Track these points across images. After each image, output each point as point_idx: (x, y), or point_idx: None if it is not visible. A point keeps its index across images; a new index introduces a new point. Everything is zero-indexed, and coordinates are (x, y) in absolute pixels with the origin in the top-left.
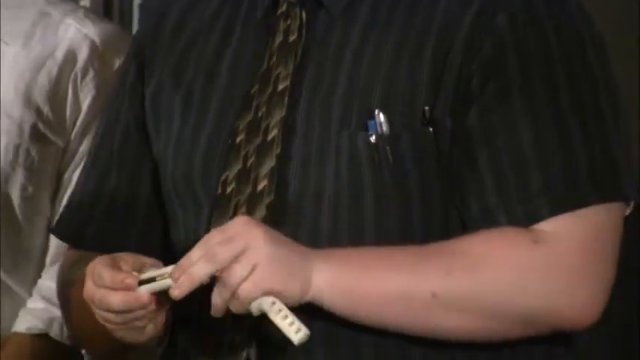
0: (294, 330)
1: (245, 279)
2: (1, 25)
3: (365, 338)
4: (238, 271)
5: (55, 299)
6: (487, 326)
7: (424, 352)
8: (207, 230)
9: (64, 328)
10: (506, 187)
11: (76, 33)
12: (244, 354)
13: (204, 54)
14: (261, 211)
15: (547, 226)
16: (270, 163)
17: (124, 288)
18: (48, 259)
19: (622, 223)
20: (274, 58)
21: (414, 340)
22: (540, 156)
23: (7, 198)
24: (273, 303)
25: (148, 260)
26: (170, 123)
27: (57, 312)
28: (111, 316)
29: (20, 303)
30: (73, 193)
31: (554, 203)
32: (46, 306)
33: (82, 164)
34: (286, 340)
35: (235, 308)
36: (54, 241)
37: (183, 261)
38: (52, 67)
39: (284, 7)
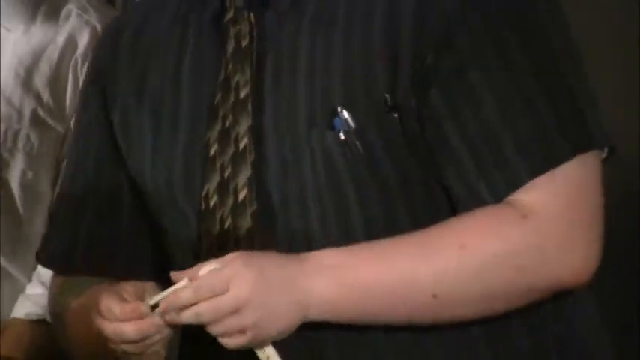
0: None
1: (242, 338)
2: (1, 12)
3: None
4: (235, 338)
5: None
6: (490, 309)
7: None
8: (199, 244)
9: None
10: (482, 161)
11: (78, 19)
12: None
13: (166, 65)
14: (247, 221)
15: (530, 194)
16: (246, 173)
17: (137, 317)
18: None
19: (600, 171)
20: (230, 65)
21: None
22: (508, 123)
23: (7, 184)
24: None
25: (147, 285)
26: (142, 142)
27: None
28: (129, 346)
29: (20, 289)
30: (54, 217)
31: (530, 166)
32: (45, 291)
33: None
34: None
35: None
36: None
37: (173, 296)
38: (52, 53)
39: (231, 13)
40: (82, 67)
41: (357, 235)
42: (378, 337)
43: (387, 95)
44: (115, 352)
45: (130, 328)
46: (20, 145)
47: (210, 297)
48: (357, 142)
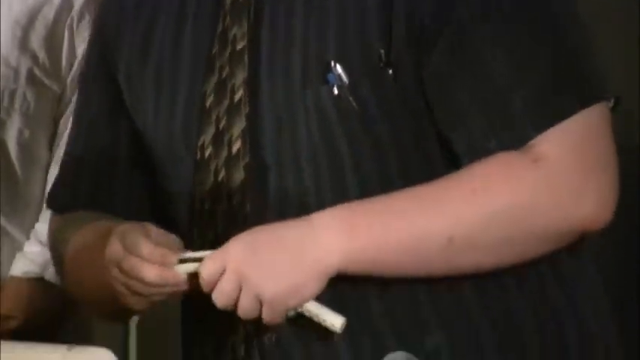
0: (330, 325)
1: (260, 313)
2: None
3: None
4: (247, 309)
5: None
6: (506, 255)
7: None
8: (193, 195)
9: None
10: (489, 117)
11: None
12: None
13: (168, 20)
14: (240, 174)
15: (541, 143)
16: (240, 125)
17: (162, 263)
18: (45, 203)
19: (609, 120)
20: (228, 18)
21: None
22: (514, 79)
23: (4, 144)
24: (300, 310)
25: (171, 235)
26: (146, 95)
27: None
28: (138, 285)
29: (18, 247)
30: (62, 162)
31: (538, 121)
32: (42, 249)
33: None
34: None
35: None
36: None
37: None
38: (48, 13)
39: None
40: (77, 27)
41: (351, 193)
42: (370, 295)
43: (381, 51)
44: (114, 285)
45: (152, 272)
46: (17, 104)
47: (215, 284)
48: (351, 98)
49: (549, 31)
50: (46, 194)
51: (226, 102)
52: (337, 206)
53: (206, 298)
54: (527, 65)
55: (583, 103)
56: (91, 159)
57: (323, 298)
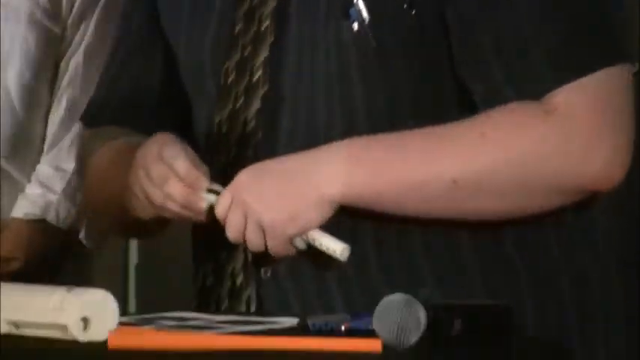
0: (333, 252)
1: (264, 244)
2: None
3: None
4: (253, 241)
5: (52, 184)
6: (510, 203)
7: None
8: (213, 120)
9: (60, 213)
10: (511, 64)
11: None
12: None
13: None
14: (257, 102)
15: (557, 96)
16: (264, 53)
17: (192, 186)
18: (46, 146)
19: (630, 83)
20: None
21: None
22: (538, 28)
23: (5, 86)
24: (307, 236)
25: (205, 167)
26: (180, 20)
27: (53, 197)
28: (157, 194)
29: (20, 189)
30: (99, 81)
31: (558, 74)
32: (43, 191)
33: (80, 51)
34: None
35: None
36: (51, 128)
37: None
38: None
39: None
40: None
41: (361, 131)
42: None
43: None
44: (132, 187)
45: (179, 190)
46: (18, 46)
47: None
48: (370, 35)
49: None
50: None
51: (253, 30)
52: (344, 140)
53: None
54: (554, 15)
55: (606, 61)
56: (125, 78)
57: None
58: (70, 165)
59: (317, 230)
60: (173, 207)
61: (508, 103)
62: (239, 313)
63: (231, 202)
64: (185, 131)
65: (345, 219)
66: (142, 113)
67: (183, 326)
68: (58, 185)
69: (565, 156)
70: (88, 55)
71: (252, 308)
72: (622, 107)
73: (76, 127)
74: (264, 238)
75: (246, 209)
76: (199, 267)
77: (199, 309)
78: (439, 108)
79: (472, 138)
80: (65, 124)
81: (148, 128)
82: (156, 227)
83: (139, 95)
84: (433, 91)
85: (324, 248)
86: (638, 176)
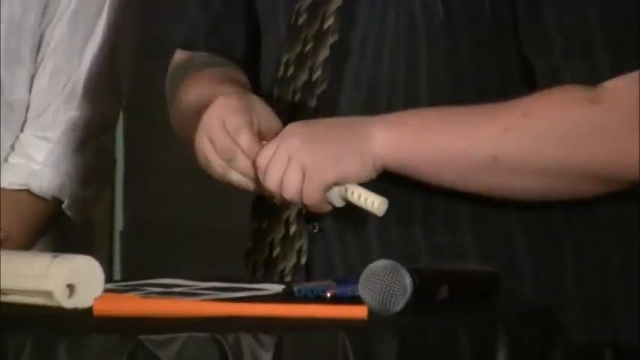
0: (371, 205)
1: (301, 189)
2: None
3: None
4: (291, 183)
5: (35, 154)
6: (546, 185)
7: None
8: (280, 60)
9: (43, 183)
10: (572, 47)
11: None
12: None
13: None
14: (326, 50)
15: (606, 85)
16: (337, 2)
17: (252, 152)
18: (29, 114)
19: None
20: None
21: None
22: (602, 15)
23: None
24: (346, 189)
25: (276, 121)
26: None
27: (36, 167)
28: (218, 161)
29: (5, 158)
30: (190, 9)
31: (616, 64)
32: (26, 161)
33: (64, 21)
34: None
35: (314, 210)
36: (35, 97)
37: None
38: None
39: None
40: None
41: (421, 96)
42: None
43: None
44: (198, 145)
45: (244, 164)
46: (3, 13)
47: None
48: (439, 4)
49: None
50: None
51: None
52: (396, 112)
53: None
54: (615, 6)
55: None
56: (211, 5)
57: None
58: (53, 134)
59: (355, 185)
60: (237, 178)
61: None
62: (223, 279)
63: (276, 148)
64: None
65: (393, 187)
66: (228, 38)
67: (168, 293)
68: (41, 155)
69: (606, 144)
70: (73, 25)
71: (303, 260)
72: None
73: (60, 97)
74: (303, 182)
75: (291, 151)
76: (257, 207)
77: (254, 252)
78: (502, 84)
79: (515, 117)
80: (48, 93)
81: (232, 52)
82: None
83: (226, 20)
84: (497, 67)
85: (361, 201)
86: None
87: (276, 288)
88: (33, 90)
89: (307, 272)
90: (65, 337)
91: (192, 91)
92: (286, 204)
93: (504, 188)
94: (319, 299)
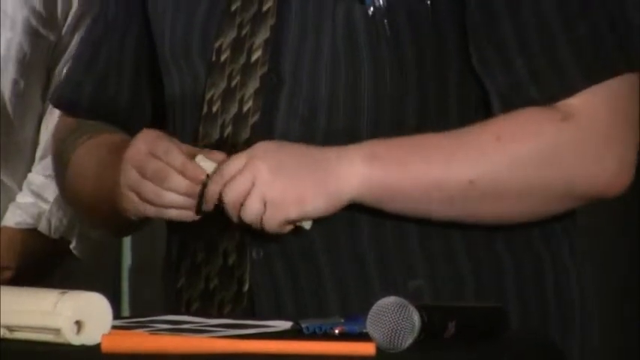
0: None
1: (262, 218)
2: None
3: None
4: (252, 211)
5: (44, 193)
6: (525, 207)
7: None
8: (204, 98)
9: (52, 223)
10: (536, 61)
11: None
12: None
13: None
14: (255, 82)
15: (574, 99)
16: (264, 34)
17: (194, 179)
18: (37, 154)
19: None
20: None
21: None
22: (565, 26)
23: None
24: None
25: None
26: None
27: (45, 206)
28: (151, 191)
29: (12, 197)
30: (70, 65)
31: (587, 73)
32: (35, 200)
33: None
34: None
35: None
36: (44, 137)
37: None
38: None
39: None
40: None
41: (363, 116)
42: (362, 229)
43: None
44: (123, 188)
45: (181, 183)
46: (13, 53)
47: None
48: (385, 21)
49: None
50: (50, 94)
51: (253, 10)
52: (365, 142)
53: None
54: (581, 14)
55: (630, 65)
56: (97, 61)
57: None
58: None
59: None
60: (176, 200)
61: (529, 104)
62: (233, 317)
63: (242, 168)
64: (159, 117)
65: (342, 214)
66: (115, 96)
67: (176, 329)
68: (50, 194)
69: (579, 161)
70: None
71: (245, 288)
72: (633, 112)
73: None
74: (264, 211)
75: (256, 176)
76: (189, 242)
77: (189, 287)
78: (444, 101)
79: (488, 141)
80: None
81: (121, 112)
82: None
83: (113, 76)
84: (440, 86)
85: None
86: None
87: (285, 325)
88: (42, 130)
89: (250, 300)
90: None
91: (93, 153)
92: (240, 223)
93: (484, 213)
94: (327, 336)
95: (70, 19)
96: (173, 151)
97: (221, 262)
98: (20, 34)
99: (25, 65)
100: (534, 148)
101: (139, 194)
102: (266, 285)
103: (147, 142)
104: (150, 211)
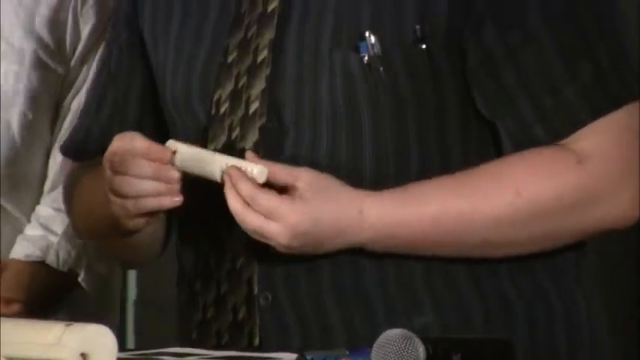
0: (251, 172)
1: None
2: None
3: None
4: (269, 238)
5: (52, 226)
6: (538, 248)
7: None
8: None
9: (60, 256)
10: (540, 100)
11: None
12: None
13: None
14: (254, 135)
15: (584, 138)
16: (260, 85)
17: (159, 159)
18: (46, 186)
19: None
20: None
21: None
22: (568, 64)
23: (7, 124)
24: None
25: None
26: (167, 46)
27: (54, 239)
28: (125, 181)
29: (19, 229)
30: (80, 111)
31: (592, 108)
32: (44, 233)
33: (82, 93)
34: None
35: None
36: (52, 169)
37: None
38: None
39: None
40: (81, 9)
41: (365, 164)
42: (365, 267)
43: (417, 26)
44: (108, 194)
45: (146, 165)
46: (21, 86)
47: (258, 214)
48: (381, 68)
49: (597, 26)
50: (60, 142)
51: (248, 61)
52: (387, 195)
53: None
54: (582, 51)
55: (633, 95)
56: (104, 110)
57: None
58: None
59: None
60: (148, 187)
61: (536, 144)
62: (238, 349)
63: (274, 211)
64: None
65: (345, 254)
66: None
67: None
68: (59, 227)
69: (594, 203)
70: None
71: (256, 342)
72: (638, 143)
73: None
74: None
75: (282, 226)
76: (198, 297)
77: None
78: (444, 145)
79: (507, 197)
80: (65, 166)
81: None
82: (153, 250)
83: (117, 127)
84: (441, 127)
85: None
86: None
87: (290, 357)
88: (50, 162)
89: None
90: None
91: (95, 178)
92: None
93: (496, 256)
94: None
95: (78, 52)
96: (137, 137)
97: (231, 319)
98: (28, 68)
99: (33, 98)
100: (552, 199)
101: (113, 191)
102: (276, 330)
103: (118, 139)
104: (129, 204)
